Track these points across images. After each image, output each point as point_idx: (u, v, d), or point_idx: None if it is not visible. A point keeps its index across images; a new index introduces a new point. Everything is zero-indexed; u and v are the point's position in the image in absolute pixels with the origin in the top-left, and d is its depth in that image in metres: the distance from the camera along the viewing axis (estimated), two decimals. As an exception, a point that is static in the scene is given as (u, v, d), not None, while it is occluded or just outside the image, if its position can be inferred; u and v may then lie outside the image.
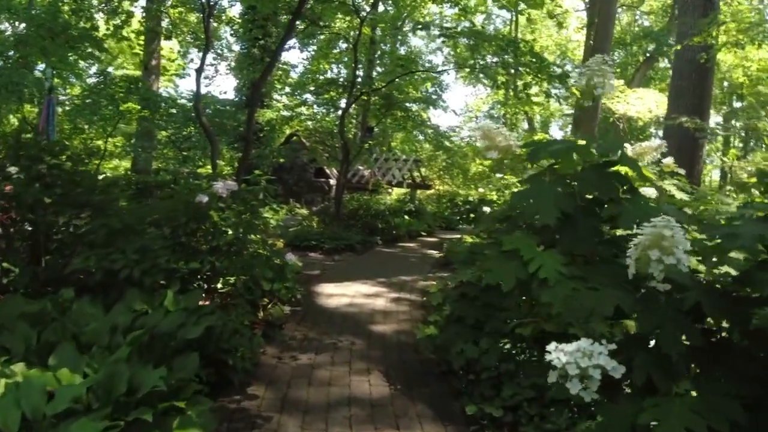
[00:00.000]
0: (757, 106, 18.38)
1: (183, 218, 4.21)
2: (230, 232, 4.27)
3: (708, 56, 11.70)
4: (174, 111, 22.58)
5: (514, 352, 3.69)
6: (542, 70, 9.39)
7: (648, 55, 33.92)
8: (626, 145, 2.17)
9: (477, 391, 3.49)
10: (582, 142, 1.84)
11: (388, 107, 15.61)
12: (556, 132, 30.84)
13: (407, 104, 15.47)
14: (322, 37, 20.91)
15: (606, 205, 1.71)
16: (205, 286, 4.52)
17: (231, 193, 4.58)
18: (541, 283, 1.55)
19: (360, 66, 15.28)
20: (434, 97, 16.57)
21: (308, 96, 17.09)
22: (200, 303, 4.21)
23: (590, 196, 1.76)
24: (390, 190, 20.03)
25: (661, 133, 37.33)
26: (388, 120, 17.55)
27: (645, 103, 24.42)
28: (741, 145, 29.24)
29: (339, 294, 6.69)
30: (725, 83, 26.86)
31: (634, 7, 35.25)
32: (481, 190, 12.99)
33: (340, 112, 13.89)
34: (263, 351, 4.30)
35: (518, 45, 9.08)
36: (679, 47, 11.63)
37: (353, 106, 27.02)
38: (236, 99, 22.37)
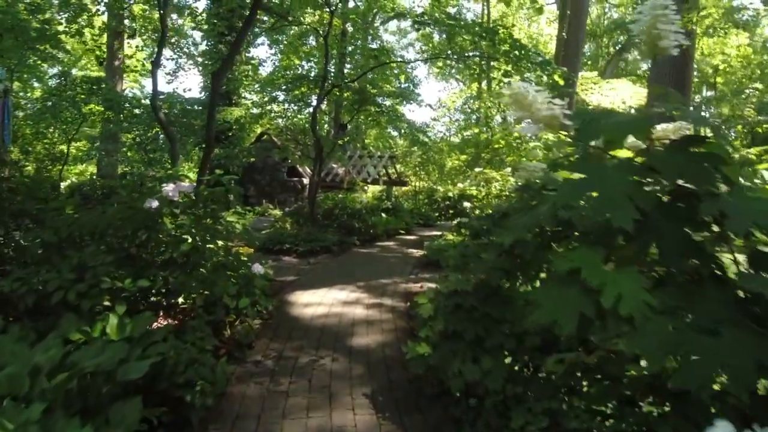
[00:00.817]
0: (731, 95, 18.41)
1: (129, 228, 3.62)
2: (188, 240, 3.70)
3: (690, 43, 11.51)
4: (138, 111, 21.75)
5: (517, 368, 3.22)
6: (522, 58, 8.96)
7: (619, 46, 34.12)
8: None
9: (480, 420, 3.00)
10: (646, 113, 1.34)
11: (361, 103, 15.07)
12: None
13: (381, 99, 14.98)
14: (292, 32, 20.28)
15: (700, 201, 1.19)
16: (164, 302, 3.95)
17: (190, 196, 4.02)
18: (615, 316, 1.04)
19: (332, 60, 14.72)
20: (408, 91, 16.10)
21: (279, 93, 16.42)
22: (157, 324, 3.64)
23: (672, 189, 1.26)
24: (365, 188, 19.50)
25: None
26: (362, 116, 17.03)
27: (619, 94, 24.43)
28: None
29: (315, 302, 6.14)
30: (695, 72, 26.98)
31: (604, 0, 35.39)
32: (460, 185, 12.53)
33: (311, 109, 13.27)
34: (230, 376, 3.75)
35: (497, 32, 8.63)
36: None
37: (325, 102, 26.39)
38: (203, 97, 21.59)
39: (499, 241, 3.37)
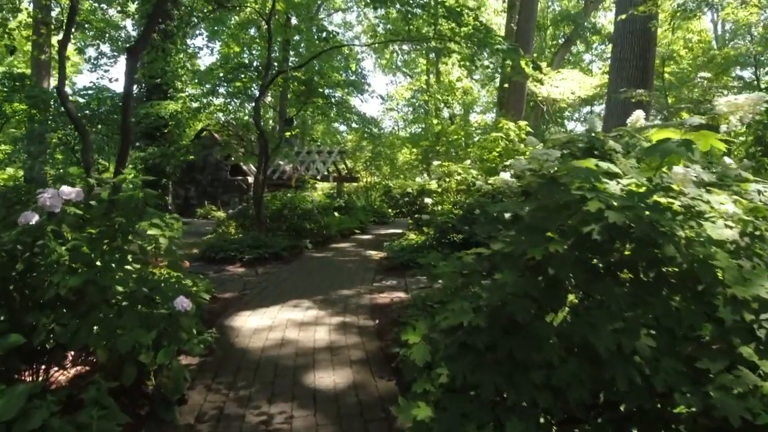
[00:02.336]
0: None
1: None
2: (80, 271, 2.62)
3: (654, 25, 11.10)
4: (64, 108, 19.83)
5: None
6: (485, 43, 8.15)
7: (565, 38, 34.22)
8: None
9: None
10: None
11: (308, 94, 14.00)
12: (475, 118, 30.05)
13: (329, 91, 13.94)
14: (232, 22, 18.89)
15: None
16: (49, 360, 2.85)
17: (83, 206, 2.93)
18: None
19: (275, 47, 13.55)
20: (357, 81, 15.10)
21: (219, 85, 15.06)
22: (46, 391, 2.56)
23: None
24: (315, 186, 18.40)
25: (585, 113, 37.63)
26: (309, 109, 15.92)
27: (568, 85, 24.27)
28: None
29: (266, 326, 5.10)
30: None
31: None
32: (419, 180, 11.67)
33: (254, 102, 12.08)
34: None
35: (461, 13, 7.78)
36: (623, 17, 10.83)
37: (270, 95, 25.02)
38: (136, 92, 19.88)
39: (517, 252, 2.48)
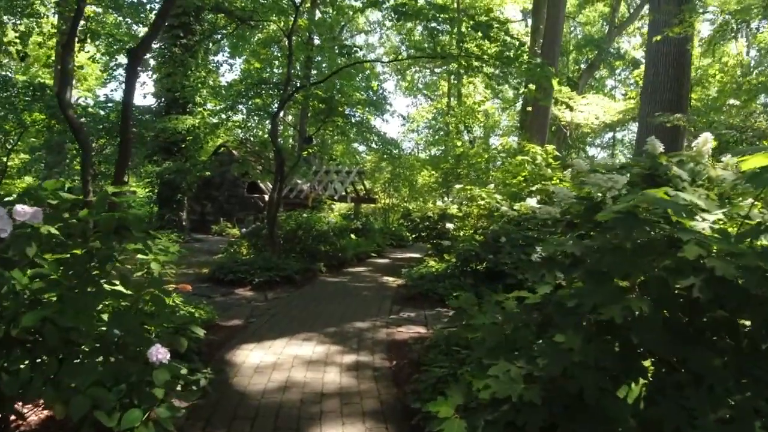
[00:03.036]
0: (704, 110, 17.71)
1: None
2: (39, 307, 2.14)
3: (690, 48, 10.56)
4: (85, 120, 19.82)
5: None
6: (514, 60, 7.68)
7: (588, 63, 33.72)
8: None
9: None
10: None
11: (328, 113, 13.66)
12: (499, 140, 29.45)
13: (349, 110, 13.57)
14: (255, 39, 18.76)
15: None
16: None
17: (61, 226, 2.46)
18: None
19: (297, 65, 13.26)
20: (379, 100, 14.74)
21: (238, 101, 14.78)
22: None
23: None
24: (332, 206, 17.98)
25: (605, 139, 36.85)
26: (329, 128, 15.59)
27: (592, 110, 23.70)
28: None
29: (269, 364, 4.57)
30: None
31: (570, 17, 35.08)
32: (440, 203, 11.16)
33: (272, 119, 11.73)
34: None
35: (490, 26, 7.33)
36: (658, 38, 10.33)
37: (290, 113, 24.78)
38: (155, 106, 19.79)
39: (584, 308, 1.94)
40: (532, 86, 11.45)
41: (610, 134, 37.53)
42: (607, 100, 25.27)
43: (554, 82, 8.09)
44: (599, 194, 2.64)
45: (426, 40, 9.47)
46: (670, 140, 10.95)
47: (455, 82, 32.01)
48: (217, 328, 5.77)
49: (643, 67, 25.11)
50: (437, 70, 36.00)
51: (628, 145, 39.45)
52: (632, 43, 35.92)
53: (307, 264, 9.77)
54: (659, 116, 9.71)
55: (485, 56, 8.14)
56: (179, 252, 4.28)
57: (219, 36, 23.08)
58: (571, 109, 20.24)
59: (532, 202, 10.61)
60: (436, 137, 34.52)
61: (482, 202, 10.57)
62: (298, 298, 7.63)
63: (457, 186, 11.58)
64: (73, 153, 19.63)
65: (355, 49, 9.50)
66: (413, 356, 4.62)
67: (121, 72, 20.82)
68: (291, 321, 6.14)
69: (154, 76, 20.48)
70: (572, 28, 37.90)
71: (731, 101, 19.36)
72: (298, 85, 10.74)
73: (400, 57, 11.75)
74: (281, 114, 16.48)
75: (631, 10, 31.94)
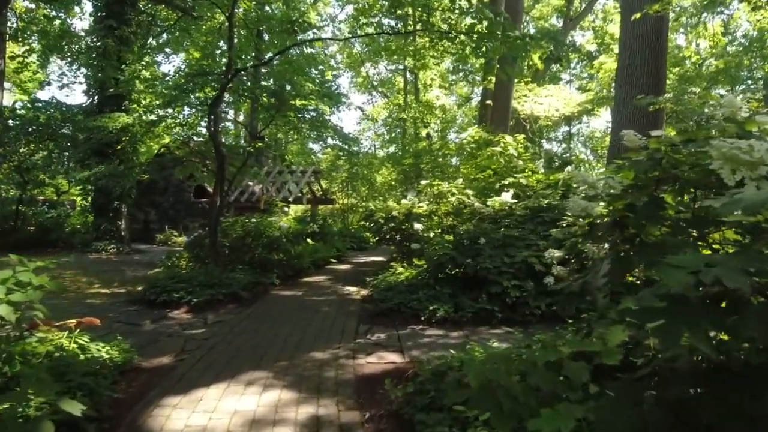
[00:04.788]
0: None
1: None
2: None
3: (665, 26, 9.84)
4: (12, 122, 17.88)
5: None
6: (492, 31, 6.62)
7: (546, 56, 33.34)
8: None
9: None
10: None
11: (278, 107, 12.36)
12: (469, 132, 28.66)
13: (303, 103, 12.29)
14: (199, 33, 17.24)
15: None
16: None
17: None
18: None
19: (241, 48, 11.88)
20: (333, 91, 13.51)
21: (177, 97, 13.25)
22: None
23: None
24: (286, 208, 16.63)
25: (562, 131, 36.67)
26: (280, 123, 14.27)
27: (552, 103, 23.13)
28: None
29: (199, 429, 3.33)
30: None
31: (524, 12, 34.66)
32: (405, 201, 10.07)
33: (209, 109, 10.35)
34: None
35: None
36: (638, 16, 9.51)
37: (241, 111, 23.15)
38: (86, 104, 17.96)
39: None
40: (493, 72, 10.58)
41: (565, 128, 37.35)
42: (568, 90, 24.79)
43: (535, 57, 7.10)
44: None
45: (387, 13, 8.32)
46: (649, 125, 10.21)
47: (411, 78, 31.10)
48: (136, 373, 4.48)
49: (602, 57, 24.75)
50: (391, 67, 35.02)
51: (582, 138, 39.36)
52: (586, 37, 35.86)
53: (257, 277, 8.50)
54: (641, 99, 8.89)
55: (454, 31, 7.06)
56: (48, 285, 2.99)
57: (159, 29, 21.34)
58: (534, 95, 19.48)
59: (506, 196, 9.68)
60: (393, 135, 33.53)
61: (452, 199, 9.53)
62: (244, 321, 6.35)
63: (423, 182, 10.51)
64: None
65: (306, 24, 8.26)
66: (392, 406, 3.47)
67: (54, 70, 18.96)
68: (233, 355, 4.89)
69: (83, 71, 18.64)
70: (525, 23, 37.59)
71: (694, 89, 19.00)
72: (241, 65, 9.39)
73: (359, 33, 10.63)
74: (231, 112, 15.03)
75: (584, 5, 31.71)
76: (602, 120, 37.75)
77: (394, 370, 4.43)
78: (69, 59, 21.13)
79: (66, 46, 20.63)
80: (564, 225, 7.47)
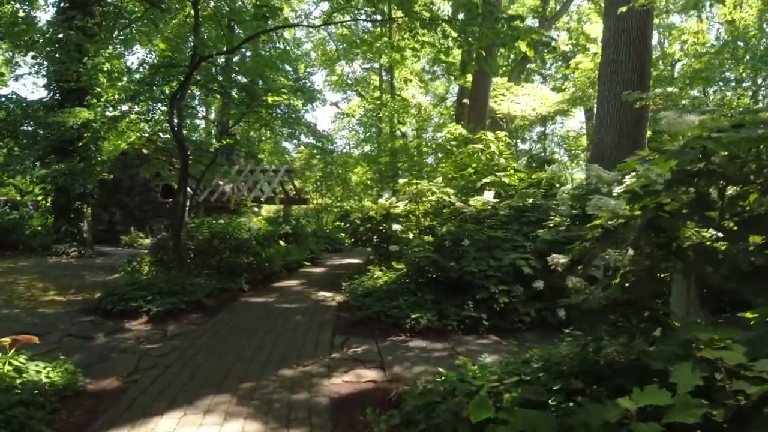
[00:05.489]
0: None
1: None
2: None
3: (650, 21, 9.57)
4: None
5: None
6: (474, 21, 6.16)
7: (522, 55, 33.24)
8: None
9: None
10: None
11: (249, 102, 11.76)
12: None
13: (275, 95, 11.69)
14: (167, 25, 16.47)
15: None
16: None
17: None
18: None
19: (208, 42, 11.21)
20: (306, 87, 12.95)
21: (142, 92, 12.52)
22: None
23: None
24: (256, 209, 15.97)
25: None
26: (251, 120, 13.65)
27: (529, 102, 22.93)
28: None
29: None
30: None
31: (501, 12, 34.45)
32: (382, 201, 9.58)
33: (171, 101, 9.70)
34: None
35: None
36: (624, 9, 9.21)
37: (213, 108, 22.36)
38: (46, 99, 16.99)
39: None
40: (472, 67, 10.16)
41: (539, 129, 37.22)
42: (546, 89, 24.64)
43: (523, 45, 6.67)
44: None
45: (363, 9, 7.80)
46: (634, 122, 9.94)
47: (387, 78, 30.66)
48: (80, 398, 3.90)
49: (579, 56, 24.65)
50: (366, 66, 34.53)
51: (556, 139, 39.34)
52: (562, 38, 35.87)
53: (224, 282, 7.90)
54: (628, 94, 8.59)
55: (438, 19, 6.59)
56: None
57: (126, 21, 20.39)
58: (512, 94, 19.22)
59: (488, 195, 9.26)
60: (368, 134, 33.02)
61: (432, 198, 9.08)
62: (207, 333, 5.77)
63: (401, 180, 10.04)
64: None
65: (279, 10, 7.67)
66: (374, 438, 2.99)
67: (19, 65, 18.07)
68: (192, 375, 4.33)
69: (45, 64, 17.68)
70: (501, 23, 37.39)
71: (665, 90, 18.90)
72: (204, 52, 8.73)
73: (335, 20, 10.11)
74: (202, 109, 14.37)
75: (558, 6, 31.66)
76: (576, 120, 37.86)
77: (375, 390, 3.94)
78: (30, 52, 20.07)
79: (29, 40, 19.58)
80: (551, 225, 7.13)
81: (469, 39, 6.29)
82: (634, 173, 2.55)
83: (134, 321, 6.41)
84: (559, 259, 3.03)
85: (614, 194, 2.68)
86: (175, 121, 8.50)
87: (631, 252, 2.35)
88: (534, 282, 6.02)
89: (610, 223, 2.58)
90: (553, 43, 6.99)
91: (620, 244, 2.42)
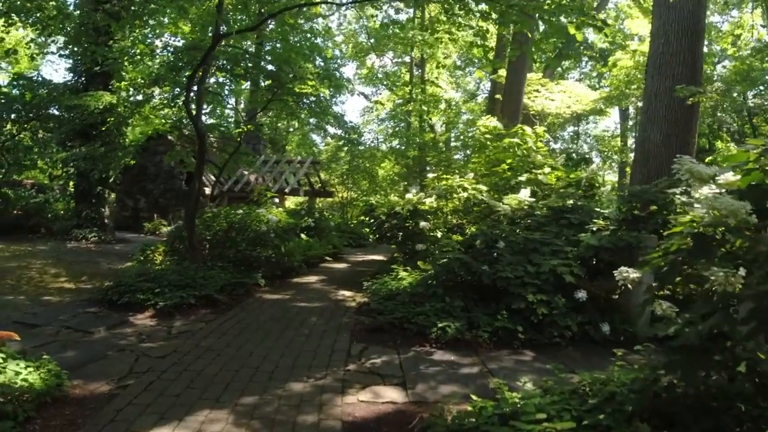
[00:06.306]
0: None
1: None
2: None
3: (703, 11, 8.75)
4: (-3, 101, 16.83)
5: None
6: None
7: (557, 52, 32.16)
8: None
9: None
10: None
11: (276, 90, 11.31)
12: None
13: (302, 84, 11.20)
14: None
15: None
16: None
17: None
18: None
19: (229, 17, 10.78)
20: (335, 75, 12.43)
21: (164, 76, 12.14)
22: None
23: None
24: (277, 200, 15.53)
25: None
26: (277, 109, 13.19)
27: (564, 100, 22.00)
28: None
29: None
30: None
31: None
32: (409, 196, 9.01)
33: (195, 88, 9.29)
34: None
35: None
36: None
37: (243, 99, 22.03)
38: (71, 82, 16.86)
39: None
40: (504, 60, 9.52)
41: (571, 128, 35.96)
42: (583, 86, 23.67)
43: (571, 28, 6.01)
44: None
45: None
46: (684, 120, 9.16)
47: (417, 73, 29.99)
48: (59, 406, 3.45)
49: (620, 53, 23.57)
50: (397, 60, 33.89)
51: (588, 139, 37.97)
52: (597, 37, 34.64)
53: (239, 276, 7.43)
54: (682, 89, 7.83)
55: None
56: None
57: (154, 6, 20.12)
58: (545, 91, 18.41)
59: (524, 194, 8.60)
60: (397, 129, 32.37)
61: (464, 195, 8.47)
62: (214, 334, 5.30)
63: (431, 175, 9.46)
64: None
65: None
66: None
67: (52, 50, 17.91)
68: (188, 384, 3.85)
69: (72, 48, 17.51)
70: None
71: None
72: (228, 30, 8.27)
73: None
74: (232, 100, 14.00)
75: (596, 3, 30.49)
76: (610, 120, 36.60)
77: (395, 414, 3.39)
78: (59, 36, 19.98)
79: (57, 23, 19.47)
80: (594, 229, 6.46)
81: (513, 16, 5.63)
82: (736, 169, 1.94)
83: (140, 315, 6.00)
84: (629, 274, 2.43)
85: (709, 194, 2.07)
86: (193, 106, 8.05)
87: (743, 271, 1.75)
88: (576, 292, 5.39)
89: (704, 229, 1.97)
90: (605, 30, 6.22)
91: (729, 259, 1.82)
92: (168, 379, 3.94)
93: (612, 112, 30.76)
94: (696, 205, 2.49)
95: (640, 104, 22.73)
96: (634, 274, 2.42)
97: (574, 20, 5.71)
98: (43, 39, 22.31)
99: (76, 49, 16.33)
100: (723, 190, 2.01)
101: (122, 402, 3.50)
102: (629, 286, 2.46)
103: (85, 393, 3.70)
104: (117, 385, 3.84)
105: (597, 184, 8.80)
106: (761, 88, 19.84)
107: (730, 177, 2.08)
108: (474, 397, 3.10)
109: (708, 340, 1.78)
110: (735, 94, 18.46)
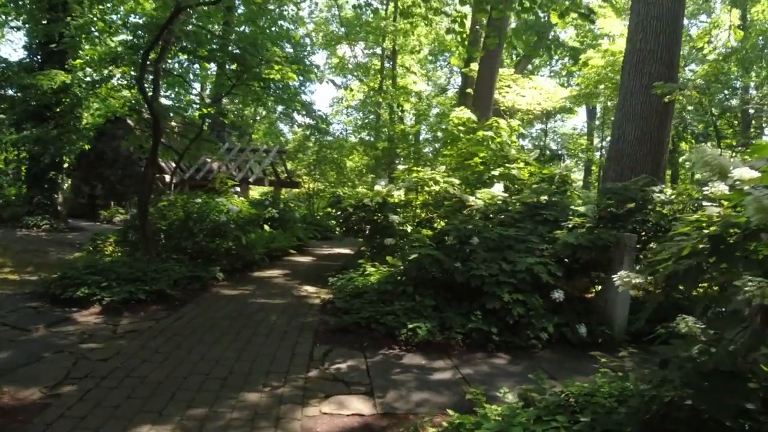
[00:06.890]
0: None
1: None
2: None
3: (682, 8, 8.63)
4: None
5: None
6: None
7: (534, 43, 32.16)
8: None
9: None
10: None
11: (241, 74, 10.80)
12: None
13: (270, 69, 10.69)
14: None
15: None
16: None
17: None
18: None
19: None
20: (304, 61, 11.96)
21: (121, 55, 11.45)
22: None
23: None
24: (238, 188, 14.98)
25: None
26: (242, 94, 12.63)
27: (535, 97, 21.96)
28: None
29: None
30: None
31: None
32: (378, 188, 8.67)
33: (141, 61, 8.70)
34: None
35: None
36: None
37: (209, 84, 21.23)
38: (26, 60, 15.85)
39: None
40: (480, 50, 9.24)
41: (540, 125, 36.18)
42: (553, 84, 23.68)
43: (554, 16, 5.75)
44: None
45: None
46: (659, 117, 9.06)
47: (388, 66, 29.60)
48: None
49: (591, 52, 23.66)
50: (369, 52, 33.39)
51: (555, 136, 38.32)
52: (569, 34, 34.84)
53: (196, 269, 6.96)
54: (661, 86, 7.69)
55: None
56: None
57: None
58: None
59: (497, 188, 8.36)
60: (366, 121, 31.91)
61: (435, 188, 8.17)
62: (164, 333, 4.85)
63: (400, 167, 9.12)
64: None
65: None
66: None
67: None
68: (130, 393, 3.42)
69: (27, 25, 16.46)
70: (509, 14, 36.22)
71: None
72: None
73: None
74: (197, 86, 13.40)
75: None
76: (578, 119, 36.98)
77: (361, 429, 3.05)
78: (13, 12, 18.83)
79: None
80: (570, 226, 6.24)
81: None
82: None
83: (84, 311, 5.50)
84: (632, 279, 2.15)
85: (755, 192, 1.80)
86: (148, 86, 7.50)
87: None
88: (553, 292, 5.15)
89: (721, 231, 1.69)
90: (591, 17, 5.98)
91: (753, 265, 1.53)
92: (108, 386, 3.51)
93: (579, 111, 31.02)
94: (705, 203, 2.22)
95: (609, 103, 22.88)
96: (637, 279, 2.14)
97: (557, 7, 5.44)
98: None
99: (31, 25, 15.35)
100: (748, 187, 1.73)
101: (53, 414, 3.06)
102: (631, 292, 2.18)
103: (13, 402, 3.24)
104: (50, 392, 3.39)
105: (570, 181, 8.63)
106: (726, 93, 20.21)
107: (747, 172, 1.82)
108: (450, 412, 2.79)
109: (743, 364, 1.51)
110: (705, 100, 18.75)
